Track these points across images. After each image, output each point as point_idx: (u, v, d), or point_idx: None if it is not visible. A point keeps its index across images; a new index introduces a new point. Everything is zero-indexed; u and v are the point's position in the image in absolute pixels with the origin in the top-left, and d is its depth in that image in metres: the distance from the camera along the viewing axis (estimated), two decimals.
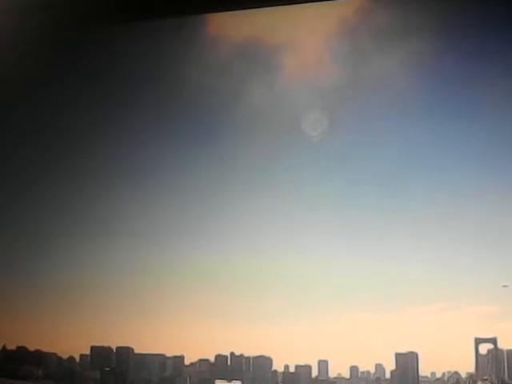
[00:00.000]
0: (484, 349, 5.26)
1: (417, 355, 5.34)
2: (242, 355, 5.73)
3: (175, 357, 5.86)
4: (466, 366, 5.16)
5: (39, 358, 6.03)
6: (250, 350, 5.65)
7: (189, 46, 5.29)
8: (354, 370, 5.48)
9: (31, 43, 5.06)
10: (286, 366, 5.58)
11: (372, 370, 5.47)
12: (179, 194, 5.62)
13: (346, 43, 5.12)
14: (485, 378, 5.21)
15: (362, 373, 5.49)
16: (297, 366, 5.55)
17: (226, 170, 5.50)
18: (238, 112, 5.35)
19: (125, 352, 5.86)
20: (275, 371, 5.61)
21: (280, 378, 5.57)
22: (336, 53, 5.16)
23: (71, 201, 5.76)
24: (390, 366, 5.37)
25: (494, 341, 5.23)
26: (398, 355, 5.34)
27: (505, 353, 5.27)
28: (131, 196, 5.64)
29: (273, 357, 5.61)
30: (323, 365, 5.49)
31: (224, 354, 5.74)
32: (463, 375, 5.17)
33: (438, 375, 5.29)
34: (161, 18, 4.68)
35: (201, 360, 5.82)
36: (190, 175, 5.61)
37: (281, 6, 4.65)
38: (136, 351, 5.82)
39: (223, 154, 5.47)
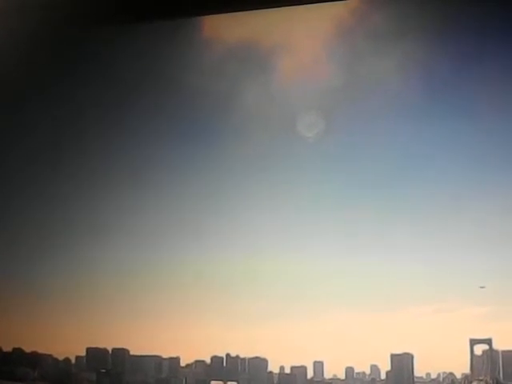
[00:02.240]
0: (479, 349, 5.28)
1: (412, 356, 5.35)
2: (237, 356, 5.74)
3: (171, 358, 5.85)
4: (461, 366, 5.18)
5: (35, 360, 6.02)
6: (245, 351, 5.66)
7: (184, 47, 5.27)
8: (349, 370, 5.49)
9: (29, 43, 5.02)
10: (282, 367, 5.59)
11: (367, 370, 5.49)
12: (176, 194, 5.61)
13: (342, 44, 5.09)
14: (480, 378, 5.22)
15: (358, 373, 5.50)
16: (292, 367, 5.55)
17: (223, 170, 5.49)
18: (233, 113, 5.33)
19: (120, 353, 5.86)
20: (271, 372, 5.62)
21: (276, 379, 5.58)
22: (332, 54, 5.14)
23: (69, 201, 5.75)
24: (385, 366, 5.40)
25: (489, 341, 5.24)
26: (393, 356, 5.35)
27: (500, 353, 5.28)
28: (128, 196, 5.62)
29: (268, 358, 5.62)
30: (319, 366, 5.50)
31: (220, 355, 5.75)
32: (458, 376, 5.18)
33: (433, 376, 5.31)
34: (155, 21, 4.64)
35: (196, 361, 5.82)
36: (187, 175, 5.59)
37: (276, 8, 4.61)
38: (132, 353, 5.82)
39: (220, 154, 5.46)
